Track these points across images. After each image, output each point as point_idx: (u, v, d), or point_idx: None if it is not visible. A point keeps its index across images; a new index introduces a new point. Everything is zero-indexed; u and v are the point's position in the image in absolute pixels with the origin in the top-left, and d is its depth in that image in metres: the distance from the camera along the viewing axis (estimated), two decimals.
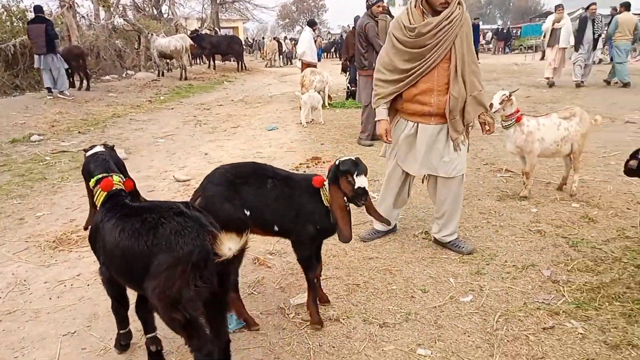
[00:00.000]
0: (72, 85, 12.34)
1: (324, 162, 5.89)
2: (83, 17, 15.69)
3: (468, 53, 3.01)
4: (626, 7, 11.92)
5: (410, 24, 2.96)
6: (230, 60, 24.60)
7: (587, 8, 12.04)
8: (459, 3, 2.94)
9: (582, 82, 12.33)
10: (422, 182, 3.58)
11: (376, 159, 5.98)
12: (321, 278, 2.74)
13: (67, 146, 6.98)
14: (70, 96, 11.10)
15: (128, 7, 22.14)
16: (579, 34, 11.84)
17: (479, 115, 3.18)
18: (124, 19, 17.33)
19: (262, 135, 7.73)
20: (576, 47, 12.02)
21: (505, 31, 34.48)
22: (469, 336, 2.45)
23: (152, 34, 16.67)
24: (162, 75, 17.04)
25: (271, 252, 3.49)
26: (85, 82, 12.43)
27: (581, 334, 2.43)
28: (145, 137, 7.72)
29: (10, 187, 5.06)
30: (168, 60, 18.21)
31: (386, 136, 3.24)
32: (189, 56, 18.98)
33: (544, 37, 13.27)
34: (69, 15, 13.21)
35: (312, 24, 10.69)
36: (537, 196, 4.49)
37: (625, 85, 11.90)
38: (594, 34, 11.81)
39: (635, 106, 9.13)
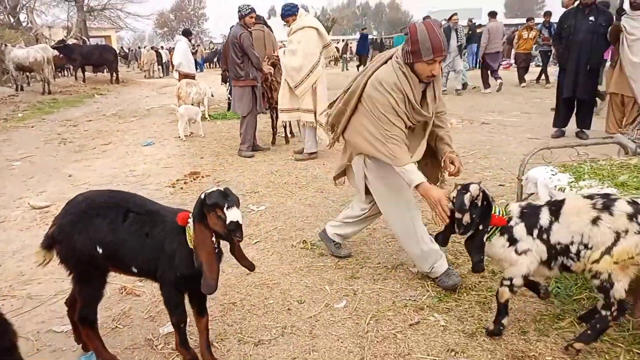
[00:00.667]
0: None
1: (202, 177, 5.71)
2: None
3: None
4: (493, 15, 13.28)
5: (416, 101, 2.71)
6: (103, 72, 23.03)
7: (450, 19, 13.10)
8: None
9: (445, 89, 13.45)
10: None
11: (257, 171, 5.94)
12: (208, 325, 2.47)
13: None
14: None
15: None
16: None
17: None
18: None
19: (137, 151, 7.29)
20: None
21: (379, 41, 36.67)
22: (342, 342, 2.49)
23: (6, 45, 14.98)
24: (21, 89, 15.44)
25: (141, 279, 3.27)
26: None
27: (443, 326, 2.59)
28: None
29: None
30: (28, 74, 16.55)
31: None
32: (52, 68, 17.43)
33: None
34: None
35: (187, 33, 10.37)
36: None
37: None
38: (457, 41, 12.70)
39: (490, 108, 10.17)
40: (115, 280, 3.17)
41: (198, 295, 2.17)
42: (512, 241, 2.30)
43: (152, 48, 28.79)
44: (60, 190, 5.25)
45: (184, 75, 10.08)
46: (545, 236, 2.24)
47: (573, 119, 7.08)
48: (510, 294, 2.36)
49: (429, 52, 2.51)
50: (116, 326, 2.70)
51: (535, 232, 2.26)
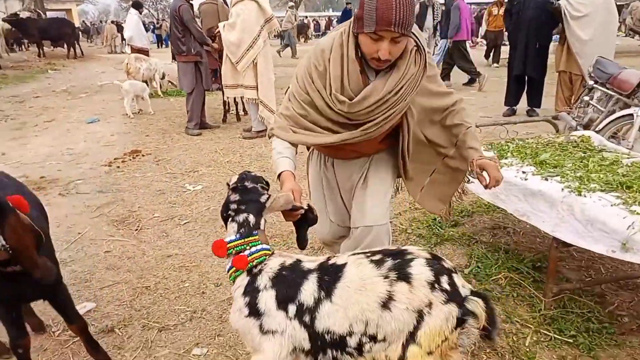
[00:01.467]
0: None
1: (143, 156, 5.51)
2: None
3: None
4: None
5: (343, 85, 1.86)
6: (62, 47, 22.07)
7: None
8: (417, 51, 1.86)
9: None
10: None
11: (201, 149, 5.78)
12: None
13: None
14: None
15: None
16: (419, 21, 11.11)
17: None
18: None
19: (80, 129, 7.00)
20: None
21: None
22: None
23: None
24: None
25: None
26: None
27: None
28: None
29: None
30: None
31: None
32: (3, 42, 16.61)
33: None
34: None
35: (137, 5, 9.95)
36: None
37: None
38: (433, 20, 11.62)
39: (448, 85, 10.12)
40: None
41: (51, 300, 1.92)
42: (254, 312, 1.48)
43: (112, 22, 27.72)
44: None
45: (136, 50, 9.72)
46: (307, 319, 1.46)
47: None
48: None
49: (371, 22, 1.67)
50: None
51: (292, 309, 1.47)
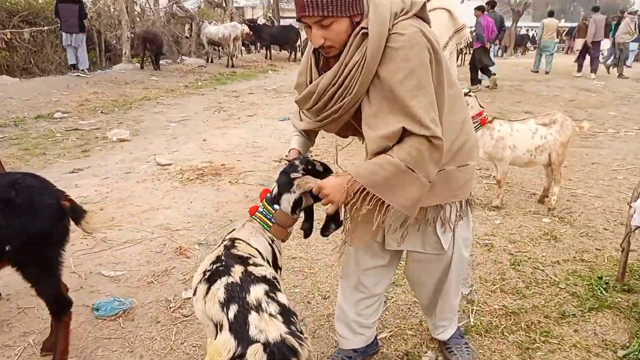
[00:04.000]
0: (142, 66, 14.13)
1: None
2: (135, 2, 16.32)
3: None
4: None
5: (306, 80, 1.78)
6: (287, 51, 24.78)
7: None
8: (362, 35, 1.58)
9: None
10: None
11: None
12: None
13: (83, 125, 7.33)
14: (90, 74, 11.96)
15: None
16: None
17: None
18: (177, 5, 17.90)
19: (272, 125, 7.71)
20: None
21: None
22: None
23: (202, 21, 17.10)
24: (211, 61, 17.47)
25: (201, 242, 3.47)
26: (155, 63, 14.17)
27: None
28: (160, 120, 7.95)
29: (8, 160, 5.39)
30: (220, 48, 18.66)
31: None
32: (240, 44, 19.37)
33: None
34: (120, 1, 13.82)
35: None
36: (513, 207, 4.15)
37: None
38: None
39: None
40: (177, 239, 3.44)
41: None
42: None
43: None
44: (189, 152, 5.85)
45: None
46: None
47: None
48: None
49: (296, 9, 1.59)
50: (151, 281, 2.92)
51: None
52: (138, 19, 18.59)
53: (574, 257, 3.23)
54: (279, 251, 1.82)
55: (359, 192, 1.62)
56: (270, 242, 1.77)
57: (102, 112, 8.42)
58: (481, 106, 3.90)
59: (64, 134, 6.77)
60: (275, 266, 1.76)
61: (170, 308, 2.64)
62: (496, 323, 2.51)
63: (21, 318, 2.48)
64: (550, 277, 2.97)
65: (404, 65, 1.54)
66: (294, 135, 1.99)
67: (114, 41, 16.32)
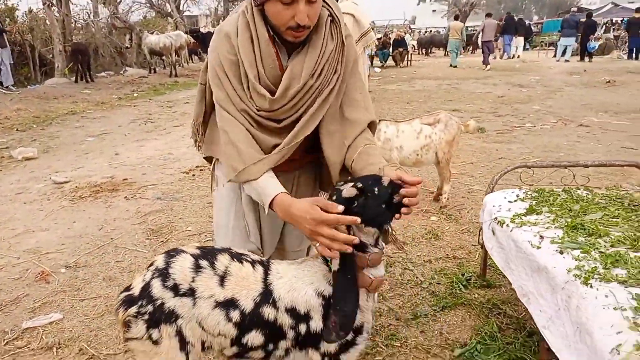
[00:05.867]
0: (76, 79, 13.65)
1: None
2: (67, 15, 15.84)
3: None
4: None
5: (259, 73, 1.50)
6: None
7: None
8: (332, 23, 1.55)
9: None
10: None
11: None
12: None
13: None
14: (17, 90, 11.59)
15: (142, 3, 22.44)
16: None
17: None
18: (114, 16, 17.48)
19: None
20: None
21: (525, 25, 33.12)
22: None
23: (142, 32, 16.76)
24: (154, 72, 17.13)
25: (69, 264, 3.29)
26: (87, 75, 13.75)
27: None
28: (78, 135, 7.67)
29: None
30: (162, 58, 18.32)
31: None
32: (186, 53, 19.08)
33: None
34: (49, 13, 13.41)
35: None
36: None
37: None
38: None
39: (605, 108, 8.51)
40: (42, 264, 3.26)
41: None
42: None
43: None
44: (93, 168, 5.64)
45: None
46: None
47: None
48: None
49: None
50: None
51: None
52: (77, 31, 18.10)
53: (447, 255, 3.23)
54: None
55: None
56: None
57: (17, 129, 8.08)
58: None
59: None
60: None
61: (4, 340, 2.47)
62: None
63: None
64: (417, 277, 2.95)
65: (353, 52, 1.61)
66: (262, 182, 1.48)
67: (50, 55, 15.81)
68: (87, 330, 2.53)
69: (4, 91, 11.23)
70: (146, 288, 1.37)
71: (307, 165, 1.80)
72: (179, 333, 1.36)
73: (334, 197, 1.34)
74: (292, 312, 1.38)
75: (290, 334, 1.40)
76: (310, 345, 1.41)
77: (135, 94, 12.57)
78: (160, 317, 1.35)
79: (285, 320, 1.38)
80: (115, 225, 3.96)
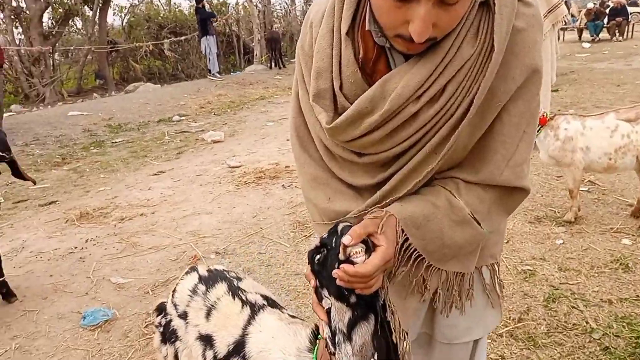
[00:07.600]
0: (270, 66, 14.82)
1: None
2: (266, 5, 17.28)
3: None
4: None
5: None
6: None
7: None
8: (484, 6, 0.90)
9: None
10: None
11: None
12: None
13: (193, 127, 7.98)
14: (221, 77, 12.85)
15: None
16: None
17: None
18: (309, 3, 18.42)
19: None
20: None
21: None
22: None
23: None
24: None
25: (219, 251, 3.47)
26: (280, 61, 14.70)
27: None
28: (261, 120, 8.25)
29: (114, 162, 6.11)
30: None
31: None
32: None
33: None
34: (250, 4, 14.78)
35: None
36: (592, 222, 3.35)
37: None
38: None
39: None
40: (198, 248, 3.50)
41: None
42: None
43: None
44: (265, 153, 5.94)
45: None
46: None
47: None
48: None
49: None
50: (148, 292, 3.00)
51: None
52: (276, 20, 19.68)
53: (638, 296, 2.47)
54: None
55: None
56: None
57: (214, 113, 9.08)
58: None
59: (173, 136, 7.45)
60: None
61: (144, 322, 2.69)
62: None
63: (21, 321, 2.76)
64: (587, 322, 2.31)
65: (531, 56, 0.92)
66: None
67: (253, 44, 17.53)
68: None
69: (212, 78, 12.76)
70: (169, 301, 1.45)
71: None
72: (176, 357, 1.39)
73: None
74: None
75: None
76: None
77: None
78: (168, 334, 1.41)
79: None
80: (267, 214, 4.07)
